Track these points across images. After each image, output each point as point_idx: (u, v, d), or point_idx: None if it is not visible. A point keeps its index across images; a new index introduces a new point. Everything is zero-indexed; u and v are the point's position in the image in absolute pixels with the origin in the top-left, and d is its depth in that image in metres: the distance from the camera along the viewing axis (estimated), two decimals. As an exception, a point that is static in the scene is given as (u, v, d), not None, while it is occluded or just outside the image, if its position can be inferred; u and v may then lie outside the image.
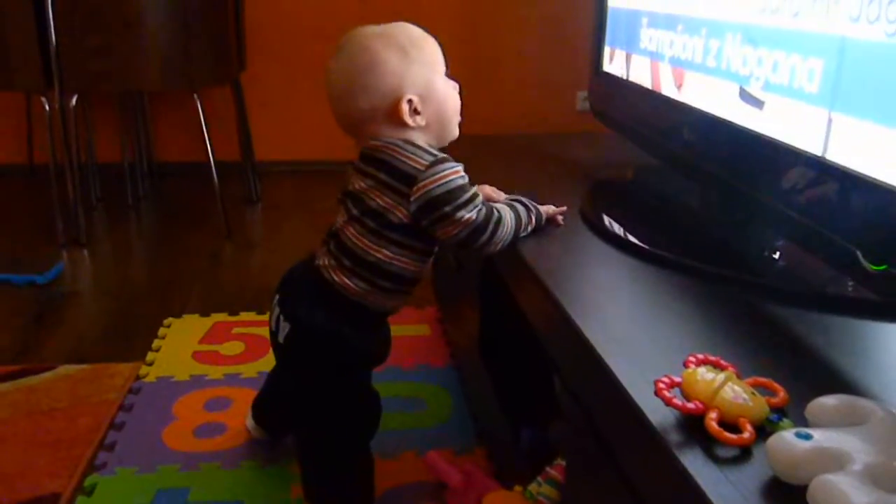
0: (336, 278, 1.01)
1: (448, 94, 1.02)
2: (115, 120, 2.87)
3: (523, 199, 1.06)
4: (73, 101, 2.27)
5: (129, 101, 2.79)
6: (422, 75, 0.98)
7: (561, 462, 0.91)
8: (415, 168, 0.95)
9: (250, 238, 2.47)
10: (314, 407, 1.09)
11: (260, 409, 1.30)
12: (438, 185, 0.95)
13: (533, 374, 1.08)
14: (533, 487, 0.93)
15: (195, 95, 2.31)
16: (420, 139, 1.00)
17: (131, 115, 2.83)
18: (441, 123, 1.01)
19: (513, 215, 1.01)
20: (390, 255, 0.99)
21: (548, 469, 0.92)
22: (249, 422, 1.33)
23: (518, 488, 0.96)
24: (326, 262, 1.02)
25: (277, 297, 1.07)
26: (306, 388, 1.09)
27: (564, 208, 1.10)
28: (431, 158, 0.96)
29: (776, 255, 0.96)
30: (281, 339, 1.05)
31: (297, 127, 3.02)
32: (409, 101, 0.98)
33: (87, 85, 2.28)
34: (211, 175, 2.38)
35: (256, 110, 2.82)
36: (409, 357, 1.60)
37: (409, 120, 0.98)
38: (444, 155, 0.98)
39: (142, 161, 2.86)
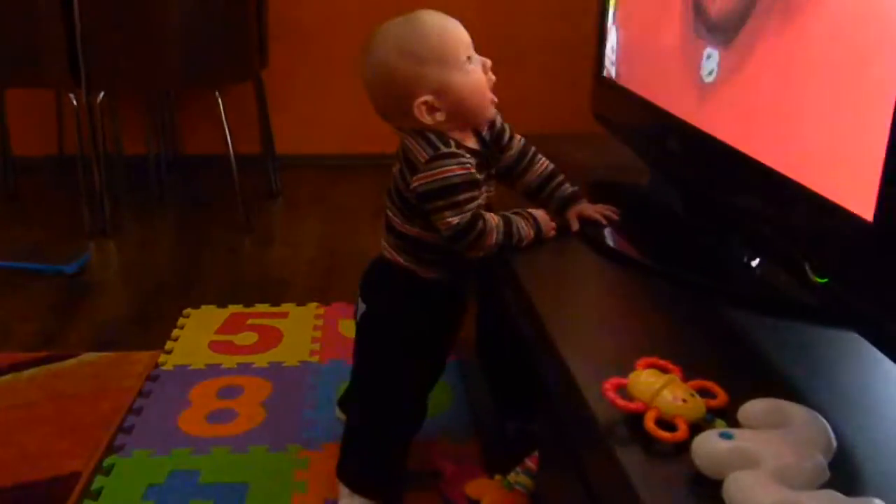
0: (390, 255, 1.10)
1: (467, 83, 1.02)
2: (141, 113, 2.96)
3: (524, 213, 1.09)
4: (100, 97, 2.36)
5: (154, 95, 2.88)
6: (434, 74, 1.01)
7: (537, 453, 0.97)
8: (417, 160, 1.01)
9: (269, 231, 2.55)
10: (371, 386, 1.17)
11: (345, 395, 1.36)
12: (432, 181, 1.00)
13: (521, 371, 1.14)
14: (511, 476, 0.99)
15: (217, 93, 2.39)
16: (442, 128, 1.03)
17: (157, 108, 2.92)
18: (463, 112, 1.04)
19: (503, 229, 1.04)
20: (419, 230, 1.07)
21: (526, 460, 0.99)
22: (337, 409, 1.39)
23: (498, 477, 1.03)
24: (384, 244, 1.12)
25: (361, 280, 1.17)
26: (369, 367, 1.17)
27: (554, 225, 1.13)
28: (433, 153, 1.00)
29: (743, 263, 1.01)
30: (357, 317, 1.16)
31: (318, 121, 3.09)
32: (425, 102, 1.01)
33: (113, 83, 2.37)
34: (232, 169, 2.46)
35: (278, 105, 2.89)
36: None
37: (426, 119, 1.02)
38: (451, 150, 1.01)
39: (166, 154, 2.96)
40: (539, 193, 1.16)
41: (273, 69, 2.79)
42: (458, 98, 1.03)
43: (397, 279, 1.11)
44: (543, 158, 1.17)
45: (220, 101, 2.40)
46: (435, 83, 1.01)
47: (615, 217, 1.13)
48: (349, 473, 1.18)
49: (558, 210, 1.14)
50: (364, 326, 1.16)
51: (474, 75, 1.04)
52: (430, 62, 1.01)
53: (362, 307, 1.15)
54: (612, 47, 1.51)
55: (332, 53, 3.00)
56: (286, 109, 2.99)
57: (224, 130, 2.43)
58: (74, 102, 2.34)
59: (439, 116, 1.03)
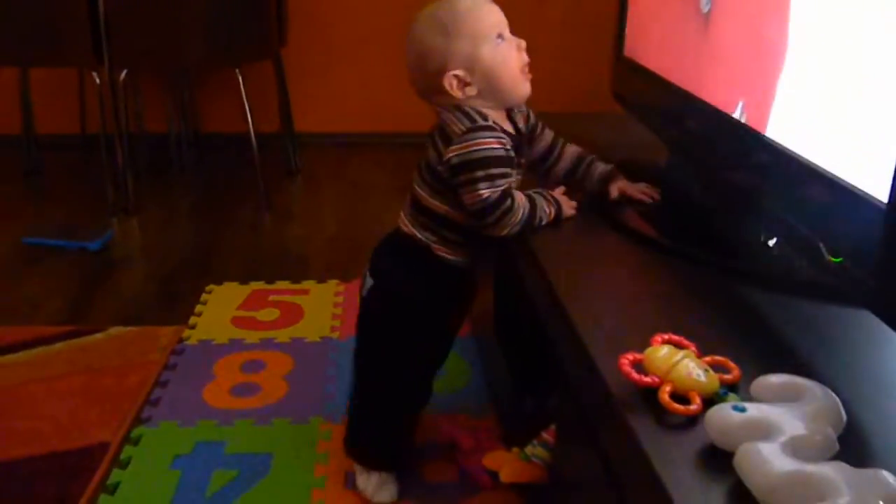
0: (408, 230, 1.11)
1: (497, 60, 1.04)
2: (162, 92, 2.99)
3: (546, 194, 1.10)
4: (123, 75, 2.39)
5: (175, 73, 2.91)
6: (464, 49, 1.04)
7: (554, 427, 0.99)
8: (454, 132, 1.04)
9: (289, 208, 2.58)
10: (375, 363, 1.19)
11: None
12: (468, 152, 1.01)
13: (538, 347, 1.16)
14: (528, 449, 1.02)
15: (237, 71, 2.42)
16: (477, 105, 1.06)
17: (178, 87, 2.95)
18: (495, 88, 1.05)
19: (528, 207, 1.05)
20: (447, 207, 1.08)
21: (542, 433, 1.01)
22: None
23: (515, 450, 1.05)
24: (404, 218, 1.13)
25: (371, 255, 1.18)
26: (374, 343, 1.18)
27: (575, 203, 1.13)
28: (470, 125, 1.03)
29: (760, 243, 1.02)
30: (364, 292, 1.16)
31: (337, 99, 3.11)
32: (456, 77, 1.04)
33: (135, 61, 2.40)
34: (252, 147, 2.49)
35: (298, 83, 2.91)
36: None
37: (457, 94, 1.05)
38: (488, 123, 1.04)
39: (187, 132, 2.99)
40: (574, 175, 1.17)
41: (292, 47, 2.81)
42: (487, 72, 1.05)
43: (412, 255, 1.12)
44: (572, 145, 1.19)
45: (240, 79, 2.42)
46: (464, 57, 1.04)
47: (657, 197, 1.13)
48: (358, 451, 1.22)
49: (597, 188, 1.15)
50: (370, 301, 1.16)
51: (503, 52, 1.05)
52: (459, 37, 1.04)
53: (370, 282, 1.15)
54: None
55: (351, 32, 3.01)
56: (305, 88, 3.01)
57: (244, 109, 2.45)
58: (97, 80, 2.37)
59: (470, 91, 1.05)
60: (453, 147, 1.02)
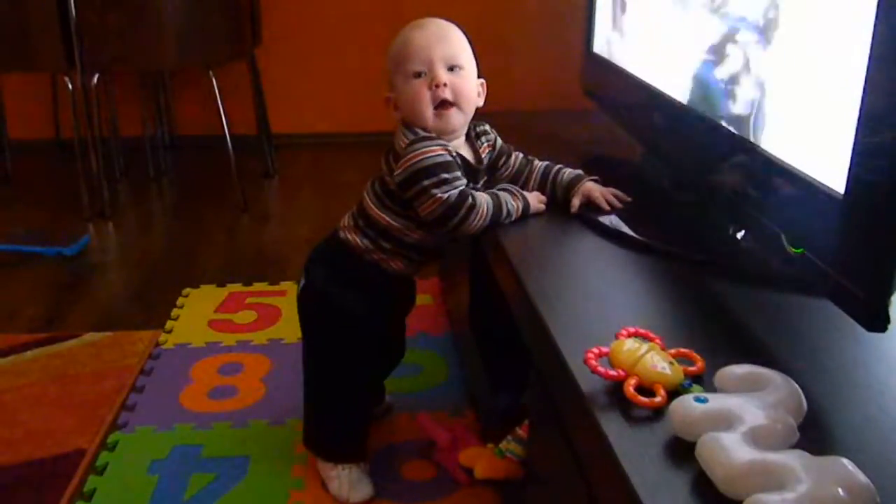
0: (348, 235, 1.14)
1: (403, 91, 1.08)
2: (137, 95, 2.97)
3: (511, 188, 1.12)
4: (95, 79, 2.37)
5: (149, 76, 2.89)
6: (391, 75, 1.10)
7: (527, 422, 1.00)
8: (399, 146, 1.07)
9: (266, 210, 2.57)
10: (311, 358, 1.21)
11: None
12: (416, 161, 1.04)
13: (512, 344, 1.17)
14: (503, 445, 1.03)
15: (210, 73, 2.40)
16: (432, 129, 1.08)
17: (152, 90, 2.93)
18: (410, 117, 1.09)
19: (491, 203, 1.06)
20: (389, 219, 1.10)
21: (517, 429, 1.02)
22: None
23: (490, 446, 1.06)
24: (344, 223, 1.16)
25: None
26: (310, 342, 1.21)
27: (544, 198, 1.15)
28: (413, 137, 1.06)
29: (729, 236, 1.04)
30: (298, 291, 1.19)
31: (313, 100, 3.10)
32: (387, 98, 1.11)
33: (107, 65, 2.38)
34: (228, 149, 2.48)
35: (273, 84, 2.90)
36: (410, 325, 1.69)
37: (391, 114, 1.12)
38: (427, 134, 1.06)
39: (163, 135, 2.97)
40: (543, 188, 1.17)
41: (266, 48, 2.80)
42: (402, 103, 1.09)
43: (345, 259, 1.14)
44: (539, 161, 1.20)
45: (214, 80, 2.41)
46: (391, 83, 1.10)
47: (618, 204, 1.11)
48: (316, 445, 1.23)
49: (566, 196, 1.15)
50: (302, 300, 1.19)
51: (412, 88, 1.07)
52: (390, 64, 1.10)
53: (302, 282, 1.19)
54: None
55: (326, 31, 3.00)
56: (281, 88, 3.00)
57: (219, 111, 2.44)
58: (69, 85, 2.35)
59: (397, 115, 1.10)
60: (400, 162, 1.05)
